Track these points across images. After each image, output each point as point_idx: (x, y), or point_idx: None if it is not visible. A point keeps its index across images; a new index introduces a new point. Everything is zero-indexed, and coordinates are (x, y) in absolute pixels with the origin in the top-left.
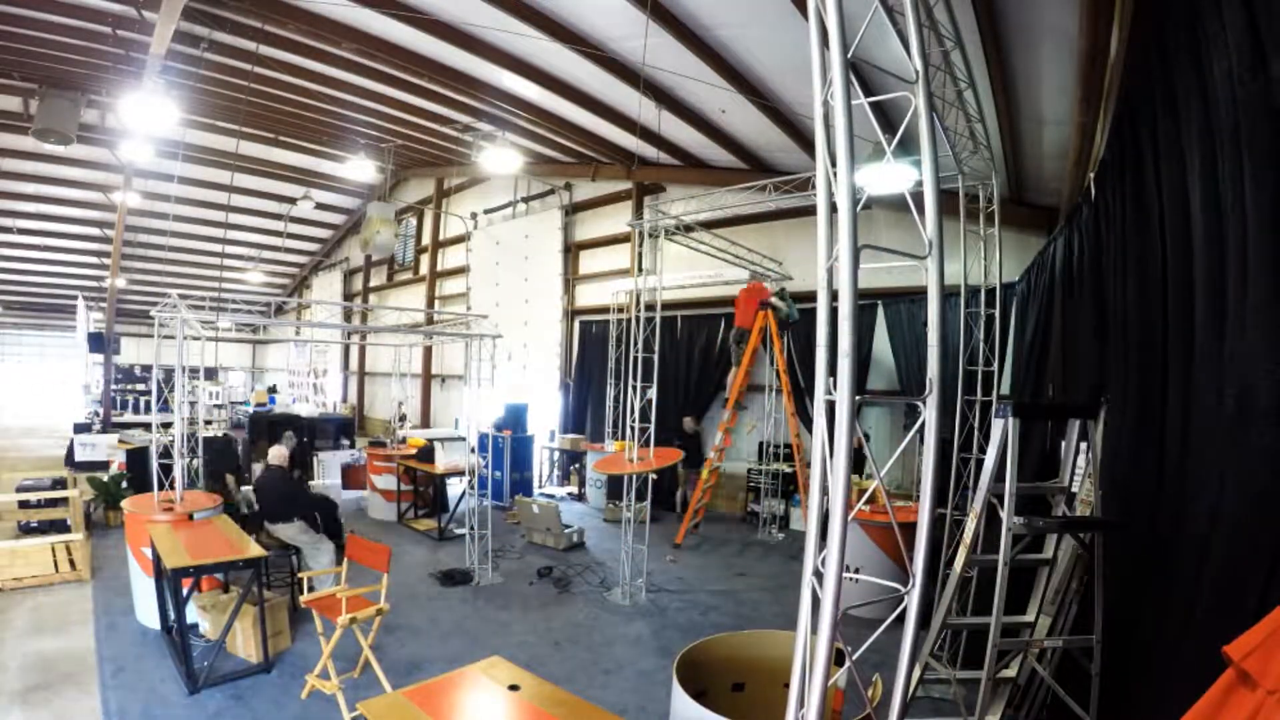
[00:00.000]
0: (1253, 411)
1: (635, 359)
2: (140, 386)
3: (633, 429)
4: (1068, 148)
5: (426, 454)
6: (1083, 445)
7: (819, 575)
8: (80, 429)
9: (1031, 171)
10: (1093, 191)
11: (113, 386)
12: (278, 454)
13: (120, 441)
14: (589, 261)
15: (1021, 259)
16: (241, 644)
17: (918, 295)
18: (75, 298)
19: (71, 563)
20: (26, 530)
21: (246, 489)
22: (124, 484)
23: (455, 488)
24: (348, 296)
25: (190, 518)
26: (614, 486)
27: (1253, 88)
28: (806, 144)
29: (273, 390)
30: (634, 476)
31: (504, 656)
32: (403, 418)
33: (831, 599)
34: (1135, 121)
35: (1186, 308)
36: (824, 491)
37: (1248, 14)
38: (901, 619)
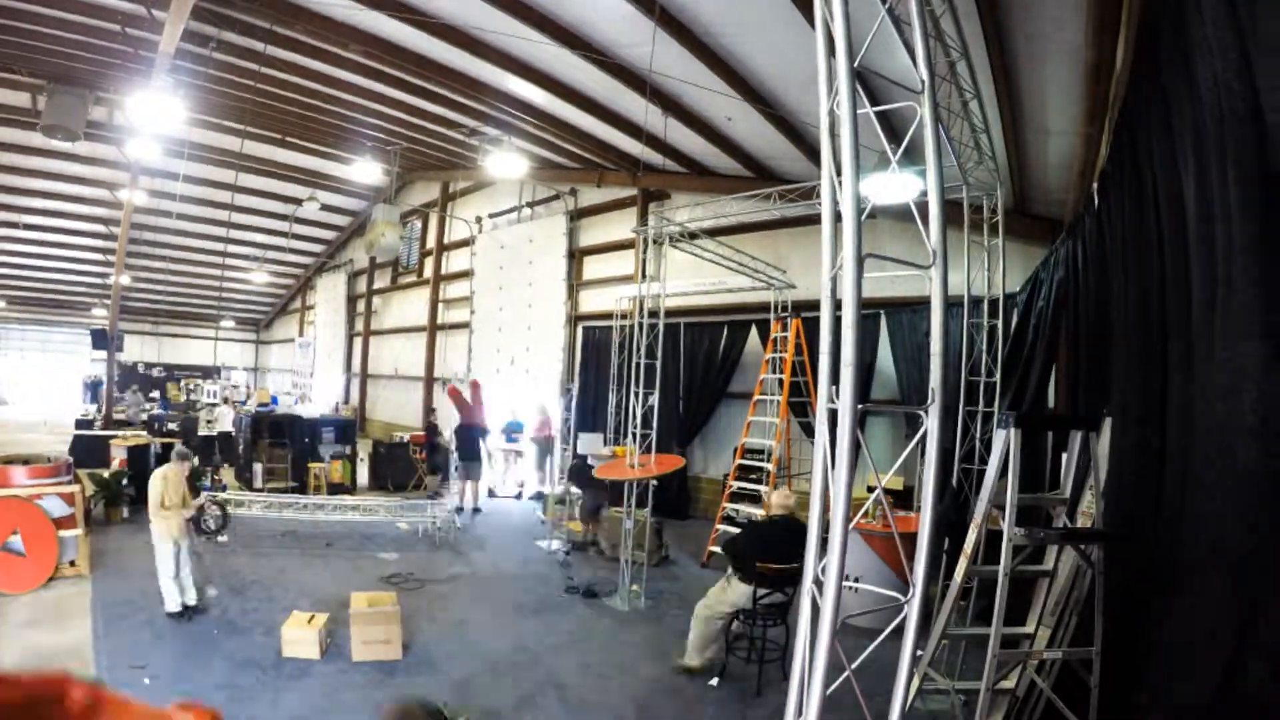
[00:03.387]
0: (1248, 423)
1: (638, 365)
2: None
3: (634, 435)
4: (1072, 159)
5: None
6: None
7: (819, 584)
8: (82, 425)
9: (1036, 182)
10: (1095, 202)
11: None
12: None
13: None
14: (593, 267)
15: (1025, 270)
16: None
17: (920, 305)
18: (80, 293)
19: (72, 560)
20: None
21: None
22: (124, 481)
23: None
24: (351, 298)
25: None
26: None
27: (1239, 90)
28: (812, 153)
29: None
30: (634, 483)
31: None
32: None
33: (831, 608)
34: (1134, 131)
35: (1184, 317)
36: (824, 501)
37: (1230, 11)
38: (900, 629)
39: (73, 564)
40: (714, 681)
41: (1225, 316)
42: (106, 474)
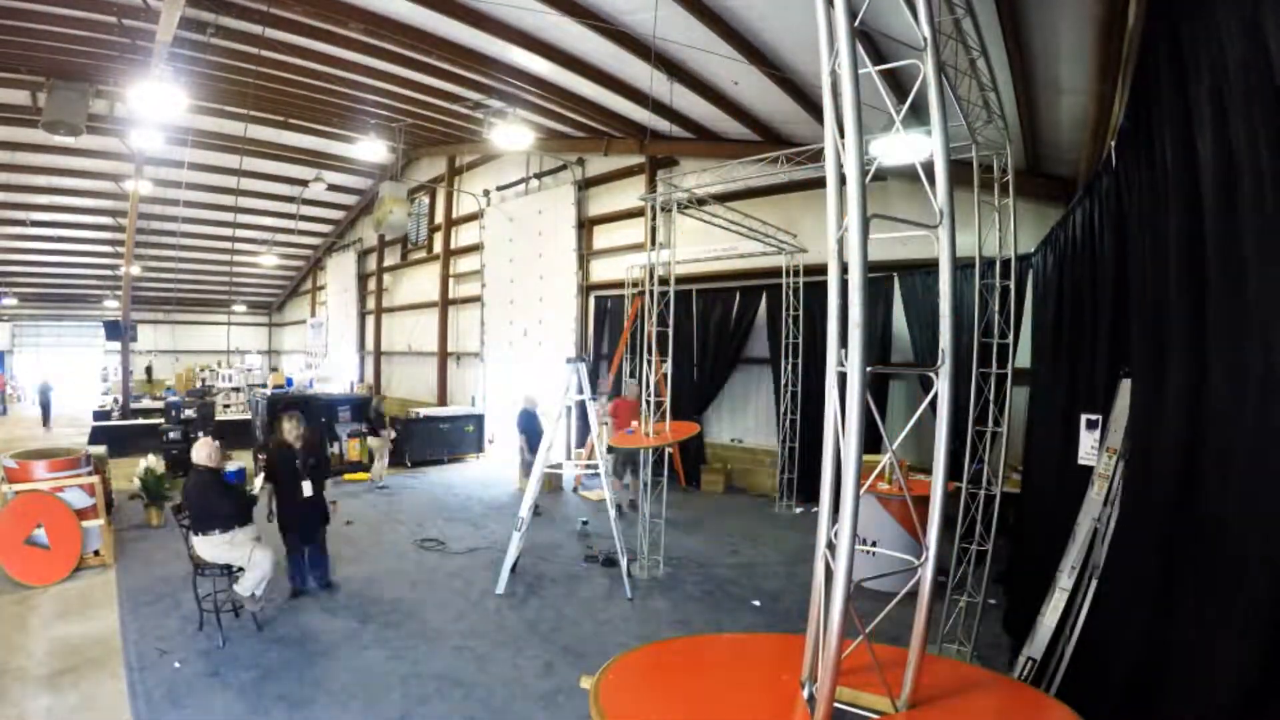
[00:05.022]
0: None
1: (650, 333)
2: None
3: (648, 403)
4: (1085, 117)
5: None
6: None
7: (832, 548)
8: (99, 416)
9: (1047, 141)
10: (1113, 160)
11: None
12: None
13: None
14: (603, 236)
15: (1038, 230)
16: None
17: (933, 267)
18: (91, 286)
19: (96, 549)
20: None
21: None
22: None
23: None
24: (362, 277)
25: None
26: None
27: (1262, 46)
28: (820, 115)
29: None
30: (650, 450)
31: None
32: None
33: (844, 572)
34: (1149, 88)
35: (1201, 279)
36: (836, 464)
37: None
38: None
39: (97, 554)
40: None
41: (1259, 284)
42: (144, 467)
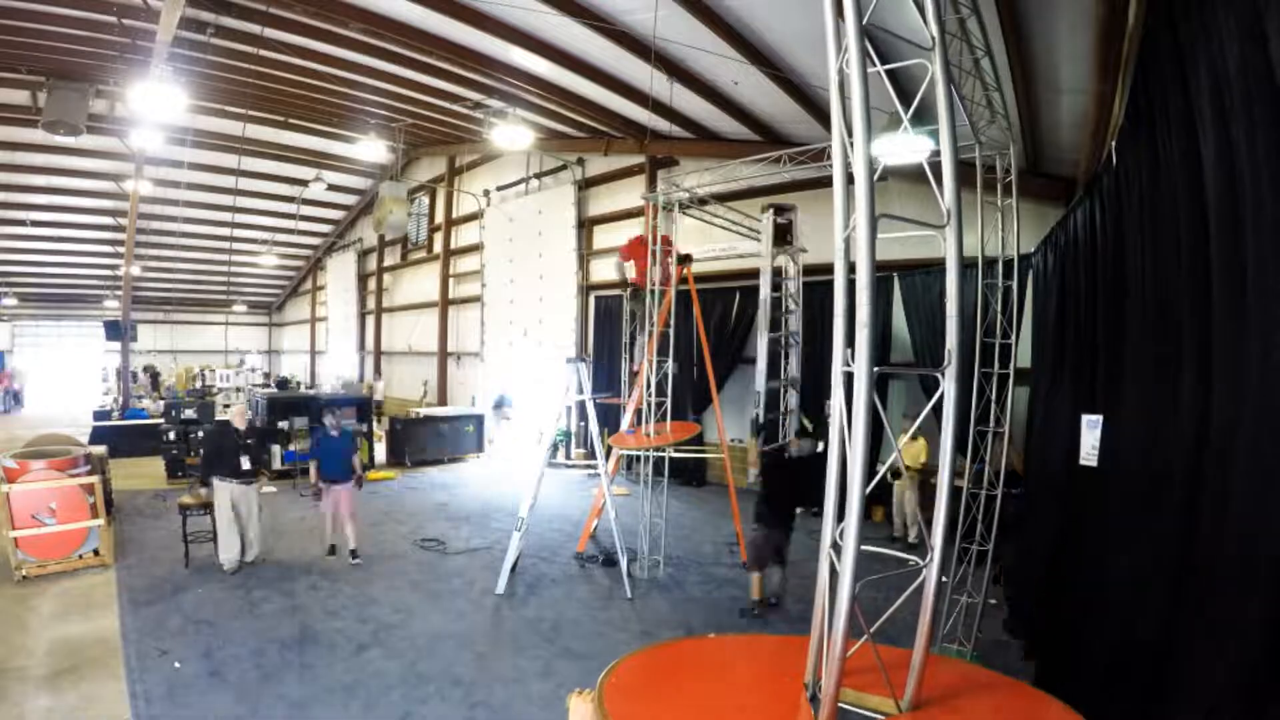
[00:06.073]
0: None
1: (650, 333)
2: None
3: (649, 403)
4: (1085, 117)
5: None
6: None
7: (837, 548)
8: (100, 416)
9: (1048, 141)
10: (1114, 160)
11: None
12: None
13: None
14: (603, 236)
15: (1037, 230)
16: None
17: (933, 267)
18: (91, 286)
19: (95, 549)
20: None
21: None
22: None
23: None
24: (362, 277)
25: None
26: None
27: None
28: (820, 115)
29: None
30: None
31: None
32: None
33: (849, 573)
34: (1150, 88)
35: (1206, 279)
36: (841, 464)
37: None
38: (919, 592)
39: (97, 553)
40: None
41: (1259, 285)
42: None
